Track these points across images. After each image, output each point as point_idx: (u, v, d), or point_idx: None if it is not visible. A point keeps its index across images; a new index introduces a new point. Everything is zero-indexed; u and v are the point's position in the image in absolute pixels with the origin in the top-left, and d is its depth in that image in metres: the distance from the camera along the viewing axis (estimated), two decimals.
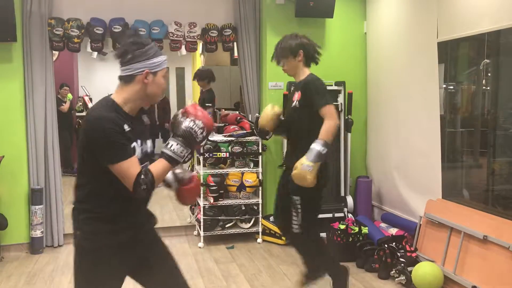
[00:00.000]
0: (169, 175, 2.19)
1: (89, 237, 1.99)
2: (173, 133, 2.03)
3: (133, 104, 2.03)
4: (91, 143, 1.92)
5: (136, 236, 2.05)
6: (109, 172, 1.91)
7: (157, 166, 1.97)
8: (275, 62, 3.26)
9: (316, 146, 2.84)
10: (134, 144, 2.00)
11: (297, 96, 3.13)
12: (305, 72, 3.18)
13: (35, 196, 4.59)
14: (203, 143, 2.16)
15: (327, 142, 2.87)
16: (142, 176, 1.90)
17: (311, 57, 3.18)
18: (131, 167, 1.91)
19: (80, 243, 2.02)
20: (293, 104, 3.16)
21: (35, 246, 4.62)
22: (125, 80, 2.01)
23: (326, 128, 2.89)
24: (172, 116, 2.15)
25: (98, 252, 1.98)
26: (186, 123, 1.99)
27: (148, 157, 2.12)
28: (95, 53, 5.33)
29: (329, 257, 3.31)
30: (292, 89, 3.29)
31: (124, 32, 2.07)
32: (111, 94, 2.04)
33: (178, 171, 2.23)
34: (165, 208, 6.17)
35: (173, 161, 1.98)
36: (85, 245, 2.00)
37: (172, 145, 1.98)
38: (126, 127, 1.95)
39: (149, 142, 2.15)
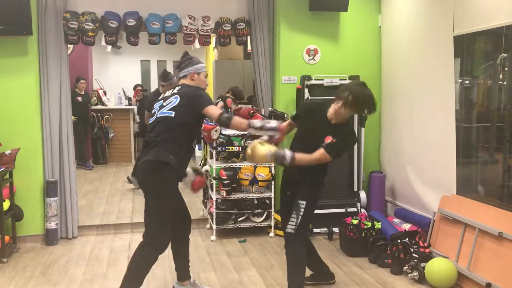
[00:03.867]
0: (190, 170, 3.38)
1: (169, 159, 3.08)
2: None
3: None
4: (197, 100, 3.13)
5: (183, 173, 3.29)
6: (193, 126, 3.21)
7: (239, 119, 3.25)
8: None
9: (287, 153, 3.06)
10: None
11: (329, 140, 3.12)
12: (344, 120, 3.23)
13: (50, 188, 4.65)
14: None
15: (297, 161, 3.07)
16: (225, 114, 3.10)
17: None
18: (217, 109, 3.17)
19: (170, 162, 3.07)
20: (325, 143, 3.12)
21: (50, 238, 4.68)
22: (183, 76, 3.34)
23: (310, 157, 3.09)
24: None
25: (174, 168, 3.09)
26: (272, 121, 3.36)
27: None
28: (109, 47, 5.37)
29: (300, 279, 3.32)
30: (323, 122, 3.23)
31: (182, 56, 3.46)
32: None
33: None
34: None
35: (249, 125, 3.21)
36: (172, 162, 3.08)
37: (256, 120, 3.35)
38: None
39: None
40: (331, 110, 3.18)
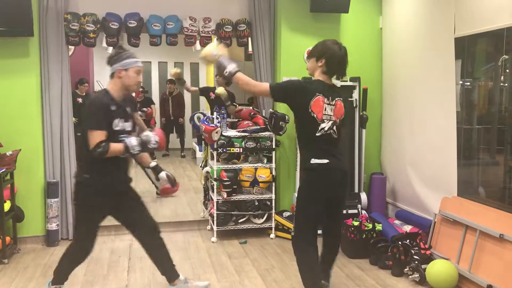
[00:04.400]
0: (164, 176, 3.39)
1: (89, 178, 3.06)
2: (138, 135, 3.07)
3: (118, 92, 3.07)
4: (85, 119, 2.98)
5: (113, 186, 3.11)
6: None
7: (116, 146, 2.95)
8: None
9: (232, 65, 3.07)
10: (117, 119, 3.02)
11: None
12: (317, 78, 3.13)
13: (51, 190, 4.65)
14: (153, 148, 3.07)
15: (236, 77, 3.06)
16: (103, 144, 2.89)
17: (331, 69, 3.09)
18: (97, 135, 2.90)
19: (84, 182, 3.07)
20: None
21: (50, 239, 4.69)
22: (110, 76, 3.10)
23: (251, 81, 3.09)
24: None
25: (91, 187, 3.06)
26: (149, 135, 3.04)
27: (126, 133, 3.09)
28: (111, 48, 5.36)
29: (309, 279, 3.13)
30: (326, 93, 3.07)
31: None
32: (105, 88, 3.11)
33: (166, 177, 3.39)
34: (178, 203, 6.21)
35: (126, 149, 2.97)
36: (86, 183, 3.06)
37: (132, 140, 2.99)
38: (112, 108, 2.99)
39: (127, 123, 3.13)
40: None
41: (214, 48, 3.16)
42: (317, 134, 3.02)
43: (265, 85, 3.07)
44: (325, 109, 3.02)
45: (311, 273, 3.14)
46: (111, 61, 3.07)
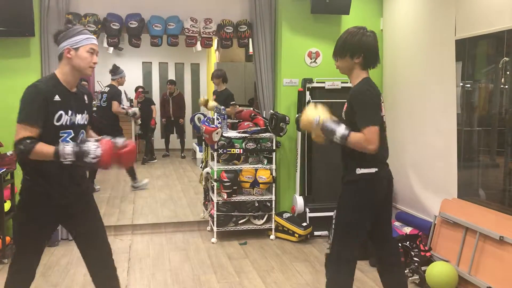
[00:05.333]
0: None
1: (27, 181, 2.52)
2: (77, 143, 2.38)
3: (67, 77, 2.48)
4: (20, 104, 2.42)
5: (53, 196, 2.48)
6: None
7: (45, 148, 2.32)
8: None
9: (340, 129, 2.50)
10: (61, 112, 2.42)
11: (345, 107, 2.68)
12: (359, 76, 2.69)
13: None
14: (89, 164, 2.36)
15: (347, 139, 2.48)
16: (28, 141, 2.32)
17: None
18: (24, 130, 2.36)
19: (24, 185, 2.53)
20: (342, 113, 2.71)
21: (51, 239, 4.68)
22: (58, 58, 2.49)
23: (358, 137, 2.48)
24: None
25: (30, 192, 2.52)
26: (91, 146, 2.32)
27: (78, 127, 2.51)
28: (111, 48, 5.38)
29: None
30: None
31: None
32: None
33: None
34: (178, 204, 6.21)
35: (56, 156, 2.30)
36: (26, 185, 2.52)
37: (67, 147, 2.32)
38: (56, 98, 2.41)
39: (80, 116, 2.53)
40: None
41: (313, 113, 2.57)
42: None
43: (373, 130, 2.50)
44: (382, 110, 2.74)
45: None
46: (58, 39, 2.48)
